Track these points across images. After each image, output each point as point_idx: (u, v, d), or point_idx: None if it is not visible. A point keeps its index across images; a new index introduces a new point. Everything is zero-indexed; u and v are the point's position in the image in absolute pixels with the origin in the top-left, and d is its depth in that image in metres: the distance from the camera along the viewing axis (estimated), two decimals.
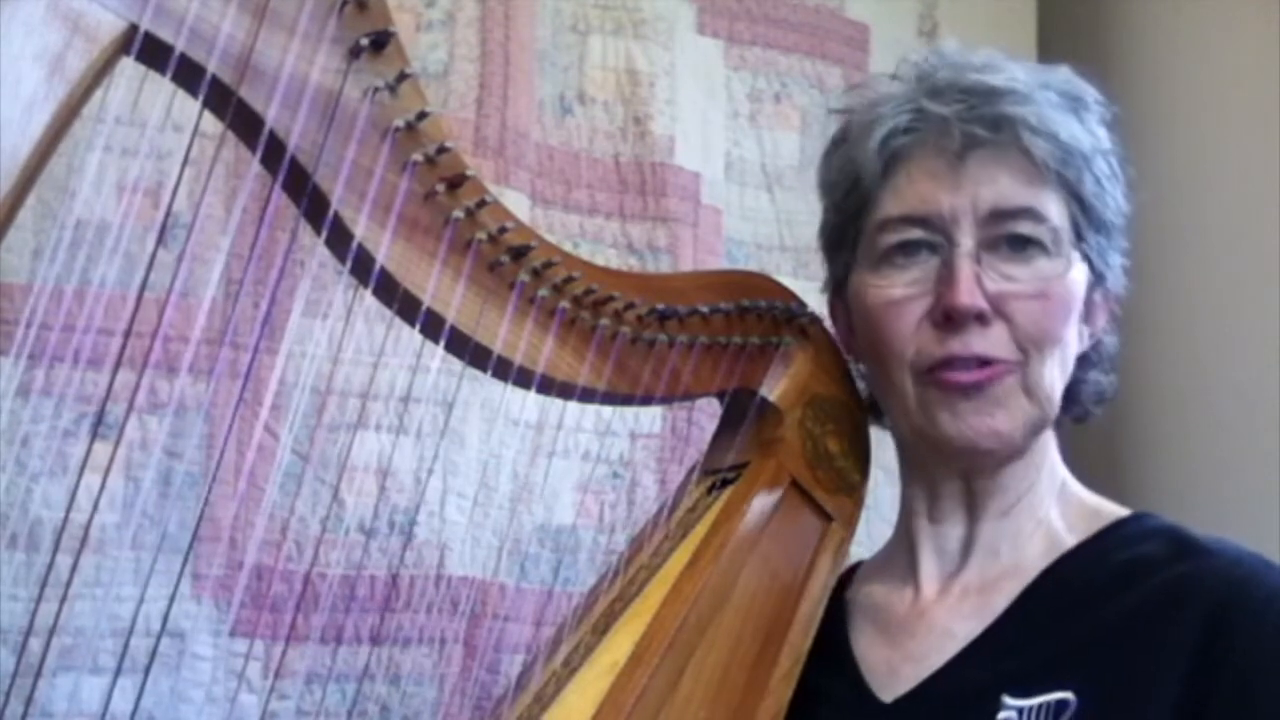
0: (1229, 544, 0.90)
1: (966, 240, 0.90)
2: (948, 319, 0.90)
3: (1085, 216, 0.93)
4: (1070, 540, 0.94)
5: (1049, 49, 1.84)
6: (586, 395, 0.91)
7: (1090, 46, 1.81)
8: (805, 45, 1.78)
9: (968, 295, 0.89)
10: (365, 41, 0.77)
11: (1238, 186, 1.64)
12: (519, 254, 0.85)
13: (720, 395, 1.00)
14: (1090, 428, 1.03)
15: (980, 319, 0.90)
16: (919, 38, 1.85)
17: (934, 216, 0.91)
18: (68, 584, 0.95)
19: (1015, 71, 0.93)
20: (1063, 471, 0.99)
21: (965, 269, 0.90)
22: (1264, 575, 0.86)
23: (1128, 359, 1.04)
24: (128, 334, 0.88)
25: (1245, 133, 1.64)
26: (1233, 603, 0.84)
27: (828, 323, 1.04)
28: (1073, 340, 0.94)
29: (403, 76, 0.78)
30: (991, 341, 0.90)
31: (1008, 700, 0.85)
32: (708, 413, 1.23)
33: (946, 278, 0.90)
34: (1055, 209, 0.92)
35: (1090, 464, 1.02)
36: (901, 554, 1.00)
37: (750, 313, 0.98)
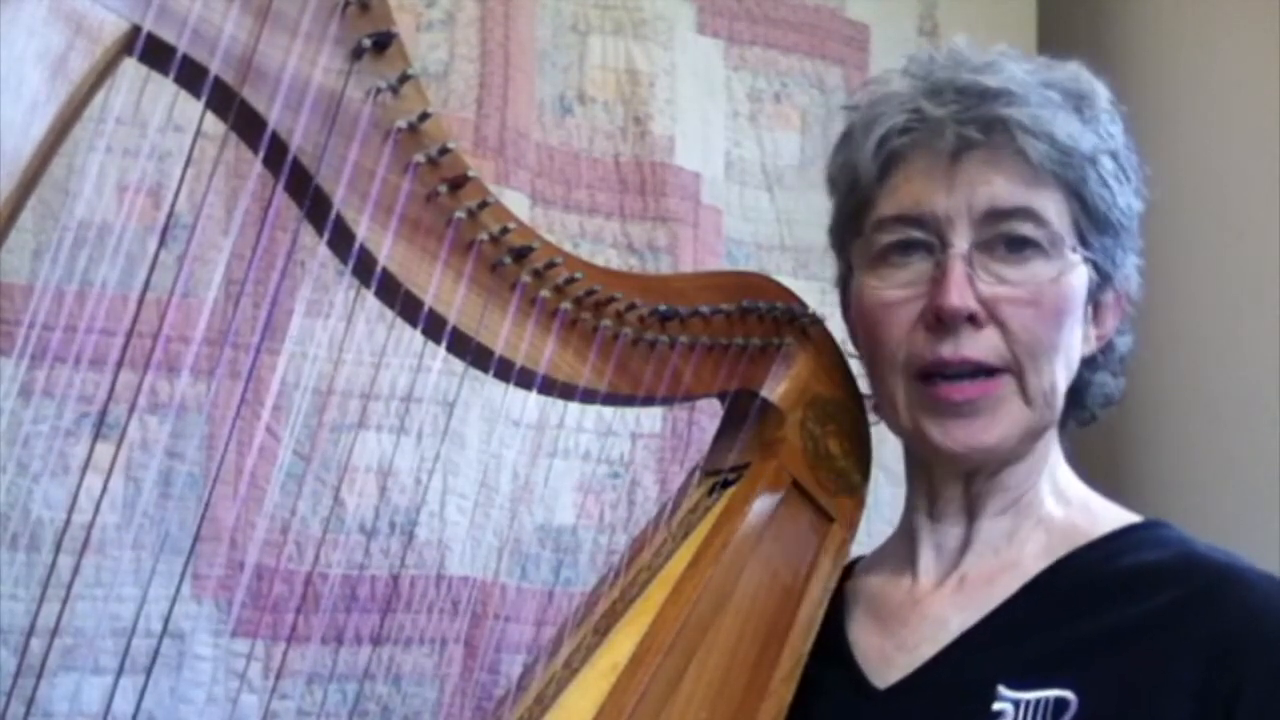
0: (1240, 562, 0.89)
1: (960, 242, 0.90)
2: (939, 320, 0.90)
3: (1088, 218, 0.92)
4: (1072, 541, 0.94)
5: (1049, 49, 1.83)
6: (588, 396, 0.90)
7: (1090, 46, 1.80)
8: (805, 45, 1.78)
9: (958, 296, 0.88)
10: (367, 42, 0.77)
11: (1238, 186, 1.64)
12: (521, 255, 0.85)
13: (721, 396, 1.00)
14: (1092, 429, 1.03)
15: (972, 321, 0.89)
16: (919, 38, 1.85)
17: (928, 217, 0.91)
18: (69, 585, 0.96)
19: (1015, 71, 0.92)
20: (1066, 472, 0.99)
21: (957, 269, 0.89)
22: (1275, 601, 0.86)
23: (1130, 360, 1.03)
24: (129, 335, 0.88)
25: (1246, 132, 1.64)
26: (1245, 633, 0.83)
27: (829, 323, 1.04)
28: (1074, 344, 0.94)
29: (405, 77, 0.78)
30: (983, 346, 0.90)
31: (1004, 691, 0.85)
32: (708, 413, 1.23)
33: (939, 279, 0.90)
34: (1054, 210, 0.91)
35: (1092, 466, 1.02)
36: (902, 546, 1.01)
37: (751, 314, 0.98)
